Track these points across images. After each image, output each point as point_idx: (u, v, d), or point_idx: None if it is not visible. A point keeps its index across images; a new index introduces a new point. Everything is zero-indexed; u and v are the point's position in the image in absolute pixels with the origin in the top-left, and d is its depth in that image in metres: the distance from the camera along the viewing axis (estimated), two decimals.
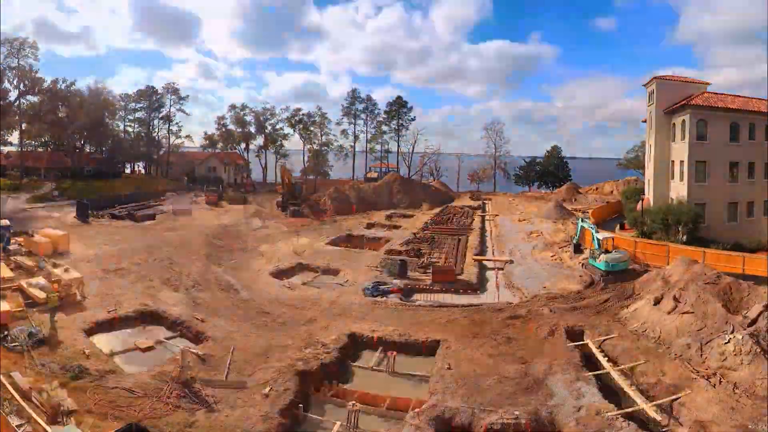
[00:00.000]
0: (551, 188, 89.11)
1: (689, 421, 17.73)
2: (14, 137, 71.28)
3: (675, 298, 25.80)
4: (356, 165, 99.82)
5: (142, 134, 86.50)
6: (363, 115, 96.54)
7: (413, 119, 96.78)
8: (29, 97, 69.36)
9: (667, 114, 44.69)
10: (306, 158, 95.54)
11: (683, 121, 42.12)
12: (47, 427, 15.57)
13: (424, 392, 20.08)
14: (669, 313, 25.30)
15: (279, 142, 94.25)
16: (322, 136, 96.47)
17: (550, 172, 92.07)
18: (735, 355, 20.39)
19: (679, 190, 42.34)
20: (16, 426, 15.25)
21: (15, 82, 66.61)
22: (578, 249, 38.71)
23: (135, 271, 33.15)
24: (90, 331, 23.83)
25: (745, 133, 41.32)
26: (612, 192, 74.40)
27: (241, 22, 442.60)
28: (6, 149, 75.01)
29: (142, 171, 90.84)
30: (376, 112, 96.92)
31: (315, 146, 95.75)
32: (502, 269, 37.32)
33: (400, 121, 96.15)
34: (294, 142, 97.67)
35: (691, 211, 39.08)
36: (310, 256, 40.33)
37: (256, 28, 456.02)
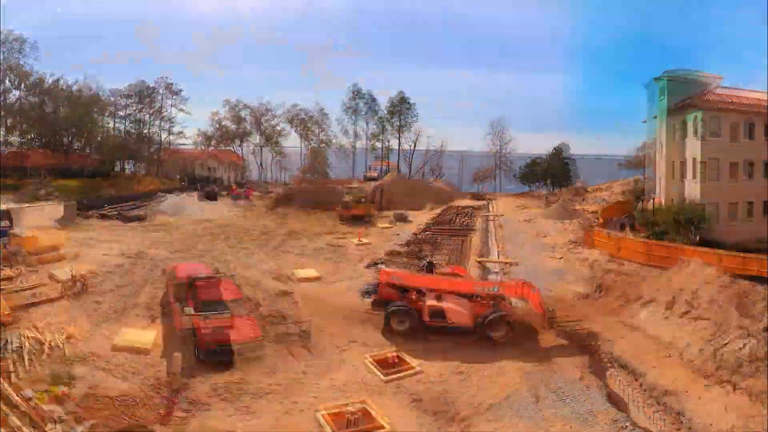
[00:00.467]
0: (553, 188, 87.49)
1: (702, 430, 16.88)
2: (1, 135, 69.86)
3: (687, 302, 24.60)
4: (356, 164, 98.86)
5: (133, 131, 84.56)
6: (363, 113, 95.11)
7: (415, 117, 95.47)
8: (15, 92, 68.16)
9: (678, 110, 43.28)
10: (304, 157, 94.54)
11: (695, 117, 40.73)
12: None
13: None
14: (681, 317, 24.21)
15: (276, 140, 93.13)
16: (321, 134, 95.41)
17: (554, 171, 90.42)
18: (750, 361, 19.18)
19: (691, 189, 40.94)
20: None
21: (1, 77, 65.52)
22: None
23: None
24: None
25: (761, 129, 39.91)
26: (623, 192, 72.78)
27: None
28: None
29: (133, 170, 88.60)
30: (376, 109, 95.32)
31: (314, 144, 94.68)
32: (506, 271, 36.01)
33: (403, 119, 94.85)
34: (292, 140, 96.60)
35: (704, 210, 37.71)
36: None
37: None
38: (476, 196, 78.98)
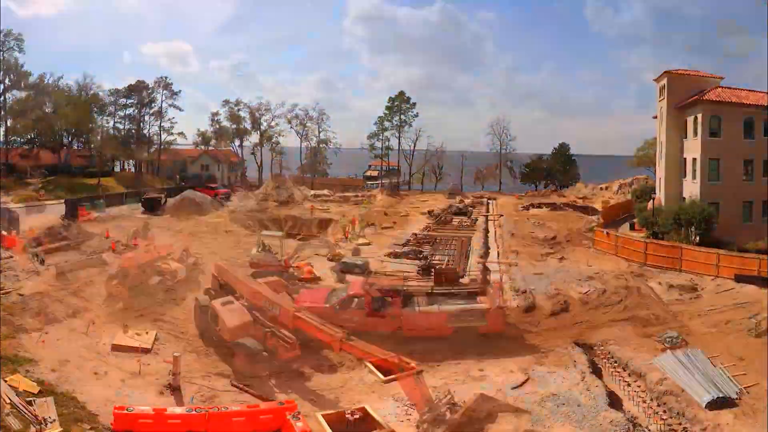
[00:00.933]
0: (558, 188, 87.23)
1: None
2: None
3: None
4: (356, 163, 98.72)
5: (132, 131, 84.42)
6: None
7: (416, 115, 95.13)
8: (15, 92, 67.93)
9: (679, 110, 43.23)
10: (303, 156, 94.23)
11: (696, 117, 40.67)
12: None
13: None
14: None
15: (275, 139, 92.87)
16: (320, 132, 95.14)
17: (557, 170, 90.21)
18: None
19: (691, 188, 40.87)
20: None
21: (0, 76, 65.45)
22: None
23: None
24: None
25: (761, 129, 39.79)
26: (623, 191, 72.49)
27: None
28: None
29: (132, 169, 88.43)
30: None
31: (313, 143, 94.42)
32: (507, 272, 35.88)
33: (402, 117, 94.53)
34: (291, 139, 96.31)
35: (705, 210, 37.60)
36: None
37: None
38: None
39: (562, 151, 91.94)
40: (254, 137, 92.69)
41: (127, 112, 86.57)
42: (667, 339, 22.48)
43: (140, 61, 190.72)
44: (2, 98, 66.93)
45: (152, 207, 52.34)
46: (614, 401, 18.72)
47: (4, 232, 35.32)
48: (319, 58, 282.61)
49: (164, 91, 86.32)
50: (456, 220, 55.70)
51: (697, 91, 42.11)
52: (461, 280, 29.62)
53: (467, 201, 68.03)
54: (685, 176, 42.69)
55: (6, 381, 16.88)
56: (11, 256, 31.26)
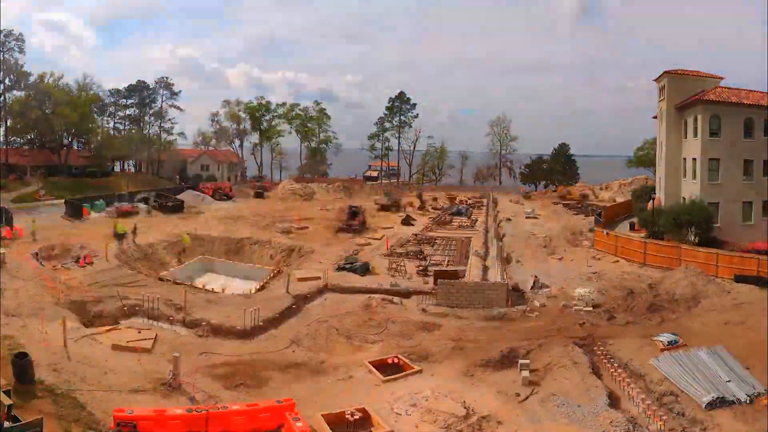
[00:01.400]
0: (556, 187, 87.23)
1: None
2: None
3: None
4: (355, 163, 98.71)
5: (132, 131, 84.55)
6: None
7: (416, 116, 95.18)
8: (15, 92, 67.79)
9: (678, 110, 43.23)
10: (303, 156, 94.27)
11: (695, 117, 40.65)
12: None
13: None
14: None
15: (275, 139, 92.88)
16: (320, 132, 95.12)
17: (557, 170, 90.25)
18: None
19: (691, 188, 40.85)
20: None
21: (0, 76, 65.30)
22: None
23: None
24: None
25: (761, 129, 39.76)
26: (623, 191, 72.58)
27: None
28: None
29: (132, 169, 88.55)
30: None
31: (313, 143, 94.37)
32: (506, 272, 35.89)
33: (402, 118, 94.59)
34: (291, 140, 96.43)
35: (704, 210, 37.59)
36: None
37: None
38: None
39: (562, 151, 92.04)
40: (254, 137, 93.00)
41: (128, 113, 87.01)
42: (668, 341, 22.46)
43: None
44: (2, 98, 66.80)
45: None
46: (614, 401, 18.74)
47: None
48: None
49: (164, 92, 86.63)
50: (456, 220, 55.78)
51: (697, 90, 42.09)
52: None
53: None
54: (684, 176, 42.67)
55: None
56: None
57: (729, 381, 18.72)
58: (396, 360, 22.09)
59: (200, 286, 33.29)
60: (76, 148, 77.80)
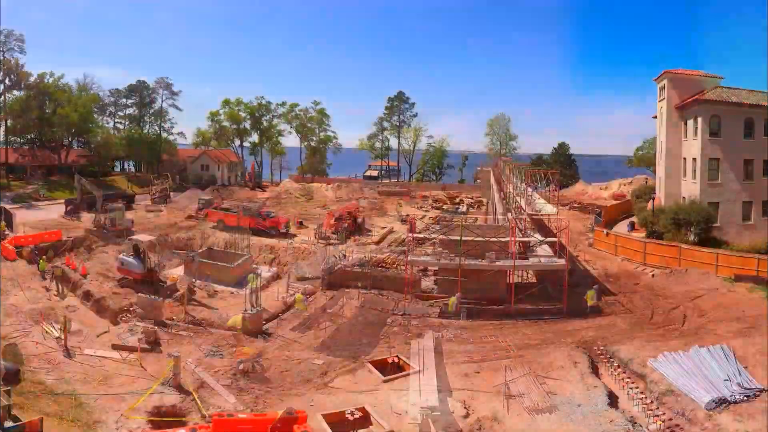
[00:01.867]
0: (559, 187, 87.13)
1: None
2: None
3: None
4: (356, 163, 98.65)
5: (132, 131, 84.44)
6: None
7: (415, 115, 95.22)
8: (15, 92, 67.64)
9: (678, 110, 43.24)
10: (303, 156, 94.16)
11: (695, 117, 40.64)
12: None
13: None
14: None
15: (275, 139, 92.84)
16: (320, 132, 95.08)
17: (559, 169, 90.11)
18: None
19: (691, 188, 40.83)
20: None
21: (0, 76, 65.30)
22: None
23: None
24: None
25: (761, 129, 39.73)
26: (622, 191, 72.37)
27: None
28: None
29: (132, 169, 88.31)
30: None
31: (313, 143, 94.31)
32: None
33: (401, 117, 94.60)
34: (291, 139, 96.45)
35: (704, 210, 37.59)
36: None
37: None
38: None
39: (562, 151, 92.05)
40: (254, 137, 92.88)
41: (128, 112, 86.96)
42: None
43: None
44: (2, 98, 66.79)
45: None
46: (614, 401, 18.76)
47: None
48: None
49: (164, 92, 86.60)
50: None
51: (697, 90, 42.09)
52: None
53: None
54: (684, 176, 42.66)
55: None
56: None
57: (728, 380, 18.73)
58: (396, 360, 22.12)
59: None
60: (76, 147, 77.72)
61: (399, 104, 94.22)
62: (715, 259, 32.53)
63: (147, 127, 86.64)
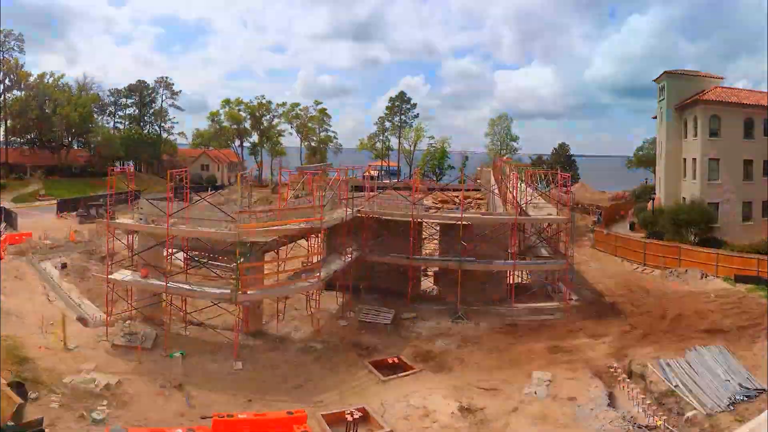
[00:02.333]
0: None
1: None
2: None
3: None
4: (356, 163, 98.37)
5: (132, 130, 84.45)
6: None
7: (416, 116, 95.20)
8: (15, 92, 67.97)
9: (678, 110, 43.23)
10: (303, 156, 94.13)
11: (695, 117, 40.66)
12: None
13: None
14: None
15: (275, 139, 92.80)
16: (320, 132, 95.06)
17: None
18: None
19: (691, 188, 40.84)
20: None
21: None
22: None
23: None
24: None
25: (760, 129, 39.75)
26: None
27: None
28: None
29: (132, 169, 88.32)
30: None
31: (313, 143, 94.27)
32: None
33: (403, 117, 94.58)
34: (291, 140, 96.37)
35: (704, 210, 37.59)
36: None
37: None
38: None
39: (562, 151, 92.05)
40: (254, 137, 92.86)
41: (128, 112, 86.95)
42: None
43: None
44: (2, 98, 66.83)
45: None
46: (613, 401, 18.75)
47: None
48: None
49: (165, 91, 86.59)
50: None
51: (697, 91, 42.09)
52: None
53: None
54: (684, 176, 42.65)
55: None
56: None
57: (728, 381, 18.73)
58: (396, 360, 22.12)
59: None
60: (75, 147, 77.77)
61: (400, 104, 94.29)
62: (715, 259, 32.49)
63: (147, 127, 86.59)
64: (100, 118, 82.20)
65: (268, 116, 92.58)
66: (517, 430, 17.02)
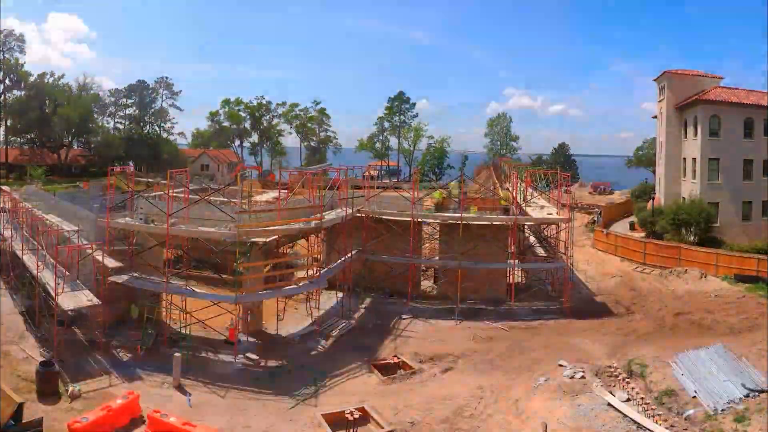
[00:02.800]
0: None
1: None
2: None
3: None
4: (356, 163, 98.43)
5: (132, 130, 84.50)
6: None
7: (416, 115, 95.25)
8: (15, 91, 68.00)
9: (678, 110, 43.27)
10: (303, 156, 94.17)
11: (695, 117, 40.69)
12: None
13: None
14: None
15: (275, 139, 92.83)
16: (320, 132, 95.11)
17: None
18: None
19: (691, 188, 40.86)
20: None
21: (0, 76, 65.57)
22: None
23: None
24: None
25: (760, 128, 39.75)
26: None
27: None
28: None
29: (132, 169, 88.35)
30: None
31: (313, 143, 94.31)
32: None
33: (402, 117, 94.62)
34: (291, 140, 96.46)
35: (704, 210, 37.60)
36: None
37: None
38: None
39: (562, 151, 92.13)
40: (254, 137, 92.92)
41: (128, 112, 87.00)
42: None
43: None
44: (2, 98, 66.83)
45: None
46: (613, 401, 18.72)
47: None
48: None
49: (165, 91, 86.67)
50: None
51: (697, 91, 42.10)
52: None
53: None
54: (684, 176, 42.66)
55: None
56: None
57: (728, 381, 18.72)
58: (396, 360, 22.12)
59: None
60: (75, 147, 77.76)
61: (399, 104, 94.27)
62: (714, 258, 32.53)
63: (147, 127, 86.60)
64: (100, 118, 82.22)
65: (267, 116, 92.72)
66: (518, 430, 17.00)
